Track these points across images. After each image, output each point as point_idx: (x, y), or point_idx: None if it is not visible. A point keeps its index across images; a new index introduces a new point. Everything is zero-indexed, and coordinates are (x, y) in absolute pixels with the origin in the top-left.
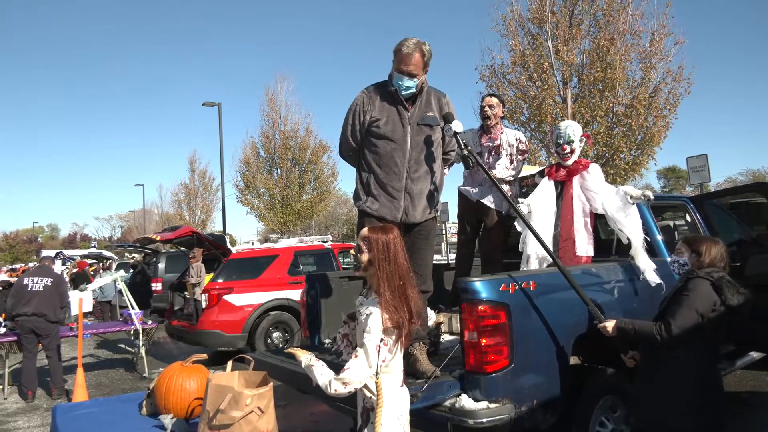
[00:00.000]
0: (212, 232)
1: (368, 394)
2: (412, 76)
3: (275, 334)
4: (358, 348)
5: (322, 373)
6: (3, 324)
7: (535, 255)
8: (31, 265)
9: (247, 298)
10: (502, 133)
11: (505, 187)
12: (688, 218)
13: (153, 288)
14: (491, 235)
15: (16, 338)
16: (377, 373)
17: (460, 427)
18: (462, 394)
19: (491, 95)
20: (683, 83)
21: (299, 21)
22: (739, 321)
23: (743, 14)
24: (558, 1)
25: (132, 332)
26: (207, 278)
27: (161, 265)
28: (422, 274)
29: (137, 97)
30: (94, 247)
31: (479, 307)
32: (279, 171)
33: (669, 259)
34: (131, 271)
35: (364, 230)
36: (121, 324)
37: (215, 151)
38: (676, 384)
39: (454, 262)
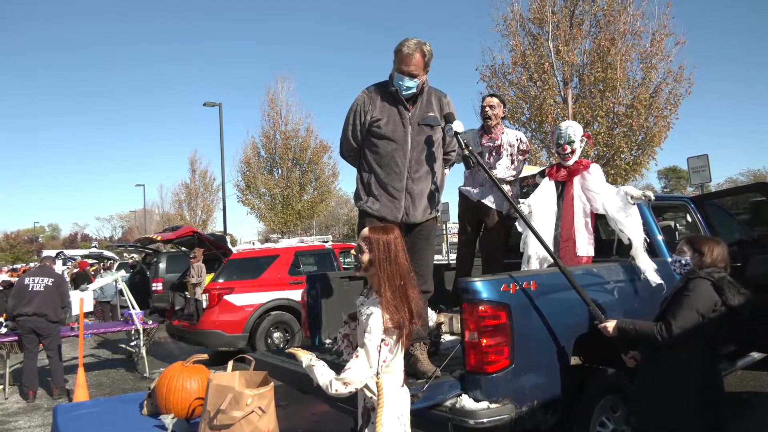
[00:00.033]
0: (213, 232)
1: (369, 394)
2: (412, 76)
3: (276, 334)
4: (358, 348)
5: (322, 373)
6: (4, 324)
7: (535, 255)
8: (32, 265)
9: (247, 298)
10: (502, 133)
11: (506, 188)
12: (689, 218)
13: (154, 288)
14: (492, 236)
15: (17, 338)
16: (378, 373)
17: (460, 428)
18: (463, 395)
19: (492, 95)
20: (684, 83)
21: (299, 21)
22: (739, 321)
23: (744, 14)
24: (559, 2)
25: (133, 332)
26: (208, 278)
27: (162, 265)
28: (423, 274)
29: (137, 97)
30: (95, 247)
31: (480, 308)
32: (280, 171)
33: (670, 259)
34: (131, 271)
35: (365, 230)
36: (121, 324)
37: (216, 151)
38: (676, 384)
39: (454, 262)
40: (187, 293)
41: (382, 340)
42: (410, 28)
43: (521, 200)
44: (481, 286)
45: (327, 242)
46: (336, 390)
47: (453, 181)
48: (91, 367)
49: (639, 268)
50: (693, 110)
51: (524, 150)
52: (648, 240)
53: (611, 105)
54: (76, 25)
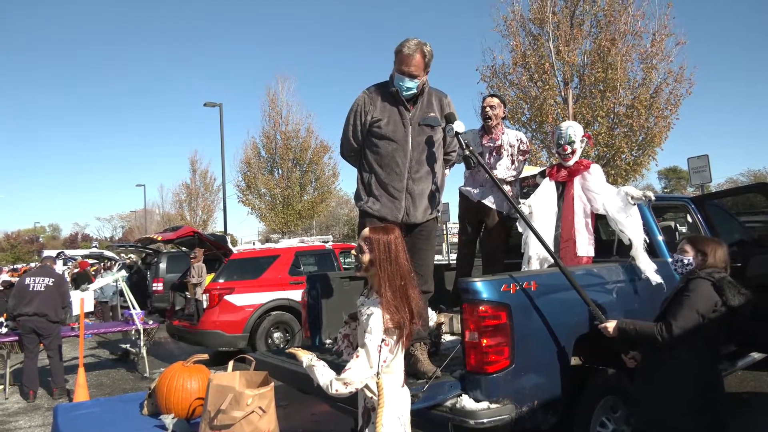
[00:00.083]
0: (213, 233)
1: (369, 395)
2: (413, 77)
3: (276, 335)
4: (359, 348)
5: (323, 374)
6: (4, 324)
7: (536, 256)
8: (32, 265)
9: (248, 299)
10: (503, 133)
11: (506, 188)
12: (690, 219)
13: (154, 288)
14: (492, 236)
15: (17, 338)
16: (378, 373)
17: (460, 428)
18: (463, 395)
19: (492, 96)
20: (684, 84)
21: (299, 21)
22: (740, 321)
23: (744, 15)
24: (559, 2)
25: (133, 332)
26: (208, 278)
27: (162, 265)
28: (423, 274)
29: (137, 97)
30: (96, 247)
31: (480, 308)
32: (280, 171)
33: (672, 258)
34: (128, 271)
35: (366, 231)
36: (122, 324)
37: (216, 152)
38: (677, 384)
39: (455, 262)
40: (187, 293)
41: (383, 340)
42: (410, 28)
43: (521, 201)
44: (481, 286)
45: (327, 242)
46: (336, 390)
47: (453, 181)
48: (92, 367)
49: (639, 269)
50: (693, 110)
51: (525, 150)
52: (648, 240)
53: (612, 105)
54: (76, 25)
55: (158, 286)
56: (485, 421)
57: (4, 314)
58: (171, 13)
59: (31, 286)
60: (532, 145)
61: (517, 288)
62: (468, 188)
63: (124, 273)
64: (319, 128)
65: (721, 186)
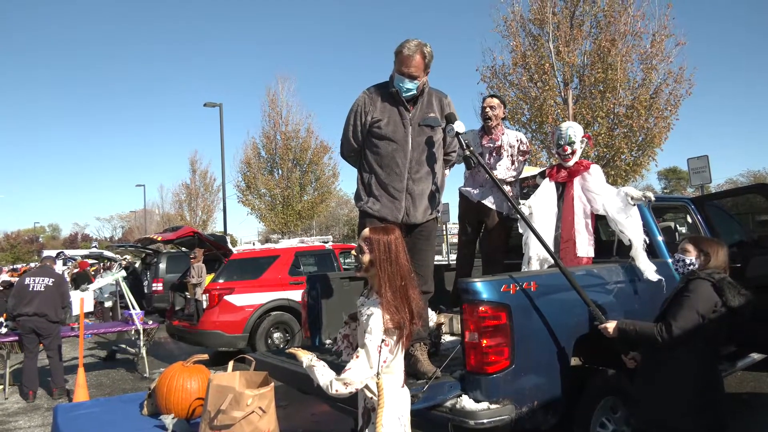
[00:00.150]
0: (213, 233)
1: (369, 395)
2: (413, 77)
3: (276, 335)
4: (359, 348)
5: (323, 374)
6: (4, 324)
7: (536, 256)
8: (32, 265)
9: (247, 299)
10: (503, 134)
11: (506, 188)
12: (689, 219)
13: (154, 288)
14: (492, 236)
15: (17, 338)
16: (378, 373)
17: (460, 428)
18: (463, 395)
19: (492, 96)
20: (684, 84)
21: (299, 21)
22: (740, 322)
23: (744, 15)
24: (559, 2)
25: (133, 332)
26: (208, 278)
27: (162, 266)
28: (423, 274)
29: (137, 97)
30: (95, 247)
31: (480, 308)
32: (280, 171)
33: (674, 258)
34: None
35: (366, 231)
36: (122, 324)
37: (216, 152)
38: (677, 384)
39: (455, 262)
40: (187, 293)
41: (383, 340)
42: (410, 28)
43: (521, 201)
44: (481, 286)
45: (327, 243)
46: (336, 390)
47: (453, 181)
48: (91, 367)
49: (639, 269)
50: (693, 111)
51: (524, 151)
52: (648, 241)
53: (611, 106)
54: (76, 25)
55: (158, 286)
56: (485, 421)
57: (4, 314)
58: (171, 13)
59: (31, 286)
60: (532, 145)
61: (517, 288)
62: (468, 189)
63: (123, 273)
64: (319, 128)
65: (720, 187)
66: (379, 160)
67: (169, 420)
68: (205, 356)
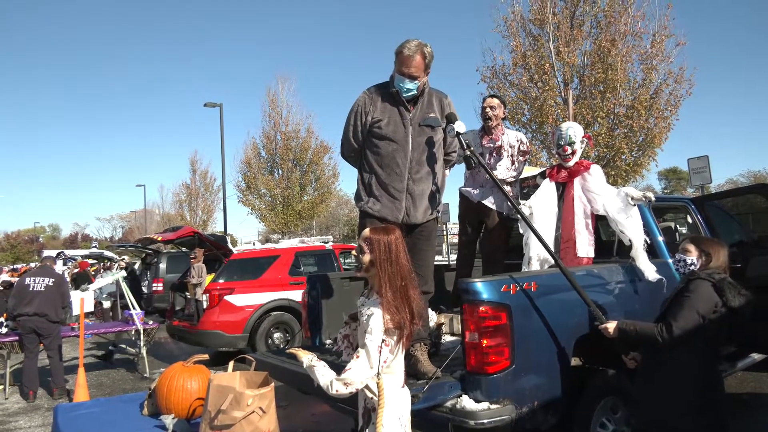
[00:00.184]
0: (213, 233)
1: (369, 395)
2: (413, 78)
3: (276, 335)
4: (359, 348)
5: (323, 374)
6: (5, 324)
7: (536, 257)
8: (32, 265)
9: (248, 299)
10: (503, 134)
11: (507, 188)
12: (690, 220)
13: (154, 288)
14: (492, 236)
15: (17, 338)
16: (378, 373)
17: (461, 428)
18: (463, 395)
19: (492, 96)
20: (684, 84)
21: (299, 21)
22: (740, 322)
23: (744, 15)
24: (559, 2)
25: (133, 332)
26: (208, 279)
27: (162, 266)
28: (423, 275)
29: (137, 97)
30: (95, 247)
31: (480, 308)
32: (280, 171)
33: (675, 258)
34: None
35: (366, 231)
36: (122, 324)
37: (216, 152)
38: (677, 385)
39: (455, 263)
40: (187, 293)
41: (383, 340)
42: (410, 28)
43: (522, 201)
44: (481, 286)
45: (327, 243)
46: (337, 390)
47: (453, 181)
48: (92, 368)
49: (639, 269)
50: (693, 111)
51: (525, 151)
52: (648, 241)
53: (612, 106)
54: (76, 25)
55: (158, 287)
56: (485, 421)
57: (4, 314)
58: (171, 13)
59: (31, 286)
60: (533, 145)
61: (518, 289)
62: (468, 189)
63: (123, 273)
64: (320, 128)
65: (721, 187)
66: (379, 160)
67: (169, 420)
68: (206, 356)
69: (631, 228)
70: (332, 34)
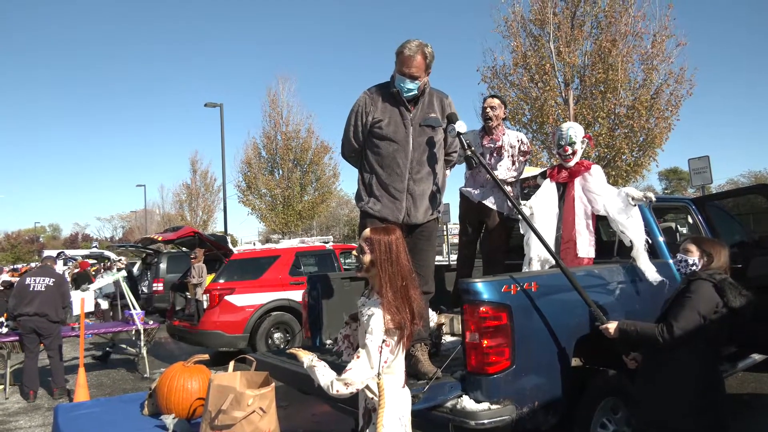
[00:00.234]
0: (214, 233)
1: (370, 395)
2: (414, 78)
3: (276, 335)
4: (360, 349)
5: (323, 374)
6: (5, 324)
7: (537, 257)
8: (33, 265)
9: (248, 299)
10: (503, 134)
11: (507, 189)
12: (690, 220)
13: (155, 288)
14: (493, 237)
15: (17, 338)
16: (379, 374)
17: (461, 428)
18: (463, 395)
19: (493, 96)
20: (685, 85)
21: (299, 21)
22: (741, 323)
23: (745, 16)
24: (560, 3)
25: (134, 332)
26: (208, 279)
27: (163, 266)
28: (424, 275)
29: (137, 97)
30: (96, 247)
31: (481, 309)
32: (280, 172)
33: (676, 258)
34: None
35: (367, 231)
36: (122, 324)
37: (217, 152)
38: (678, 385)
39: (455, 263)
40: (187, 293)
41: (383, 340)
42: (410, 28)
43: (522, 201)
44: (482, 287)
45: (328, 243)
46: (337, 391)
47: (454, 182)
48: (92, 367)
49: (640, 270)
50: (694, 112)
51: (525, 151)
52: (649, 241)
53: (612, 106)
54: (76, 25)
55: (158, 287)
56: (486, 421)
57: (5, 314)
58: (171, 13)
59: (32, 286)
60: (533, 146)
61: (518, 289)
62: (469, 189)
63: (123, 273)
64: (320, 129)
65: (721, 187)
66: (380, 160)
67: (169, 420)
68: (206, 356)
69: (632, 228)
70: (332, 34)
